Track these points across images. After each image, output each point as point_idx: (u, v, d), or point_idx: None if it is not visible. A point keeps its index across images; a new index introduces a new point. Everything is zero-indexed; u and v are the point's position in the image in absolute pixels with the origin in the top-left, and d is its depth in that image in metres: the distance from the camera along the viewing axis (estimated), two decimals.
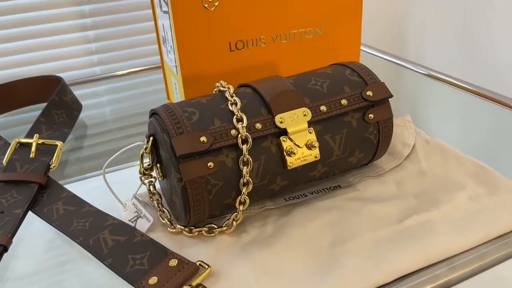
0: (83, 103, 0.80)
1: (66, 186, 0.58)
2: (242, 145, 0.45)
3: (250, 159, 0.45)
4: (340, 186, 0.54)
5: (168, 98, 0.82)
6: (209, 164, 0.44)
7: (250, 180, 0.45)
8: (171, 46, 0.68)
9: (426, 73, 0.90)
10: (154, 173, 0.50)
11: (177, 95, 0.73)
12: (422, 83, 0.90)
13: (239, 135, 0.45)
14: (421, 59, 1.05)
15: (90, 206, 0.53)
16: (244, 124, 0.45)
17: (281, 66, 0.71)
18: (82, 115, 0.79)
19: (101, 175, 0.49)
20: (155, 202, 0.50)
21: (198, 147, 0.43)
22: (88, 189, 0.59)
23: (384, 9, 1.13)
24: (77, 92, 0.81)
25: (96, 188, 0.55)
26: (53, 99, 0.71)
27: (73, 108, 0.74)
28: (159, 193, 0.50)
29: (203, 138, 0.44)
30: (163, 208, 0.50)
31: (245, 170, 0.45)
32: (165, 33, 0.69)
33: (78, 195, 0.55)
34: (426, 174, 0.56)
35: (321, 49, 0.73)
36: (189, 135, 0.44)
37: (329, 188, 0.54)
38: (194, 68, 0.66)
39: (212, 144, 0.44)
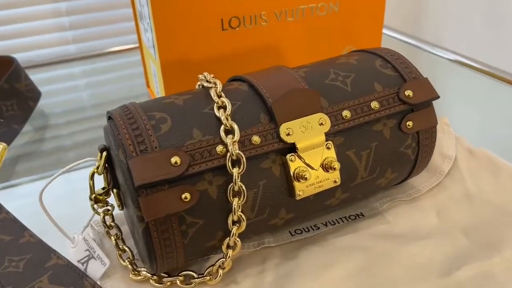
0: (47, 87, 0.66)
1: (16, 188, 0.44)
2: (233, 168, 0.31)
3: (244, 188, 0.31)
4: (363, 215, 0.41)
5: (148, 86, 0.68)
6: (184, 196, 0.30)
7: (243, 216, 0.32)
8: (148, 23, 0.54)
9: (447, 57, 0.77)
10: (111, 199, 0.36)
11: (157, 85, 0.59)
12: (442, 68, 0.76)
13: (228, 154, 0.31)
14: (440, 41, 0.91)
15: (32, 235, 0.40)
16: (236, 138, 0.31)
17: (287, 51, 0.57)
18: (46, 101, 0.65)
19: (61, 173, 0.35)
20: (112, 237, 0.36)
21: (167, 172, 0.30)
22: (37, 195, 0.46)
23: None
24: (43, 75, 0.67)
25: (55, 189, 0.41)
26: (1, 87, 0.57)
27: (28, 97, 0.60)
28: (118, 226, 0.36)
29: (175, 159, 0.30)
30: (124, 247, 0.36)
31: (236, 202, 0.31)
32: (141, 6, 0.55)
33: (29, 198, 0.42)
34: (475, 199, 0.42)
35: (336, 30, 0.59)
36: (155, 154, 0.30)
37: (349, 217, 0.41)
38: (176, 51, 0.52)
39: (189, 167, 0.30)
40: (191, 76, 0.52)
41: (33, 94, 0.61)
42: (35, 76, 0.67)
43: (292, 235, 0.39)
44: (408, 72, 0.38)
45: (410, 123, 0.37)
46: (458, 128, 0.51)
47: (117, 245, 0.36)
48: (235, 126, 0.32)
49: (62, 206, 0.40)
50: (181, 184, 0.30)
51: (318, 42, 0.58)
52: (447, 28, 0.88)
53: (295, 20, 0.56)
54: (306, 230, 0.39)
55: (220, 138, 0.31)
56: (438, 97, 0.38)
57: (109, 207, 0.36)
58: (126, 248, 0.36)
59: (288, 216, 0.35)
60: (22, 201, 0.48)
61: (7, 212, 0.43)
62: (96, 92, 0.75)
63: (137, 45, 0.88)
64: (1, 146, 0.49)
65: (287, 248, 0.38)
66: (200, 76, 0.36)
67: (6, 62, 0.60)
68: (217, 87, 0.34)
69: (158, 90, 0.58)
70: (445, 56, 0.78)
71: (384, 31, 0.88)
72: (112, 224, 0.36)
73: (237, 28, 0.53)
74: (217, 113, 0.32)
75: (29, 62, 0.82)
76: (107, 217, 0.36)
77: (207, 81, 0.35)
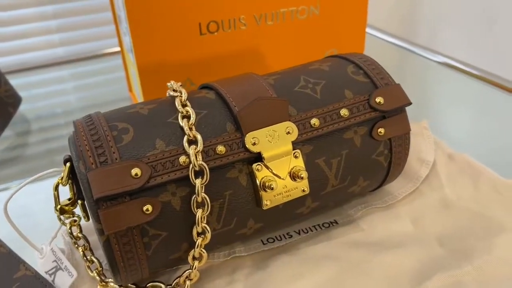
0: (28, 92, 0.65)
1: None
2: (195, 179, 0.30)
3: (208, 199, 0.31)
4: (337, 222, 0.40)
5: (130, 90, 0.67)
6: (145, 208, 0.30)
7: (207, 228, 0.31)
8: (126, 27, 0.53)
9: (439, 60, 0.76)
10: (77, 210, 0.36)
11: (137, 89, 0.58)
12: (433, 72, 0.75)
13: (191, 165, 0.30)
14: (433, 44, 0.90)
15: (2, 245, 0.40)
16: (199, 148, 0.31)
17: (267, 55, 0.56)
18: (26, 107, 0.65)
19: (25, 184, 0.35)
20: (80, 248, 0.36)
21: (127, 185, 0.29)
22: (23, 196, 0.45)
23: None
24: (28, 78, 0.67)
25: (33, 196, 0.41)
26: None
27: (7, 103, 0.59)
28: (85, 237, 0.36)
29: (136, 171, 0.29)
30: (92, 257, 0.36)
31: (200, 214, 0.31)
32: (119, 10, 0.55)
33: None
34: (452, 206, 0.42)
35: (318, 33, 0.58)
36: (115, 166, 0.29)
37: (323, 225, 0.40)
38: (153, 55, 0.51)
39: (150, 179, 0.30)
40: (169, 81, 0.51)
41: (13, 100, 0.61)
42: (20, 80, 0.67)
43: (264, 243, 0.38)
44: (380, 78, 0.38)
45: (381, 130, 0.37)
46: (447, 130, 0.50)
47: (84, 256, 0.36)
48: (198, 136, 0.31)
49: (32, 216, 0.40)
50: (143, 196, 0.30)
51: (300, 46, 0.58)
52: (439, 31, 0.87)
53: (275, 24, 0.55)
54: (279, 238, 0.39)
55: (184, 149, 0.31)
56: (410, 103, 0.37)
57: (75, 218, 0.35)
58: (94, 259, 0.36)
59: (257, 226, 0.35)
60: None
61: None
62: (79, 96, 0.74)
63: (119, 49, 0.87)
64: None
65: (259, 257, 0.38)
66: (168, 84, 0.36)
67: None
68: (182, 96, 0.33)
69: (139, 94, 0.58)
70: (436, 59, 0.77)
71: (377, 34, 0.87)
72: (80, 235, 0.36)
73: (216, 33, 0.53)
74: (180, 123, 0.32)
75: (14, 66, 0.81)
76: (74, 228, 0.35)
77: (173, 89, 0.34)
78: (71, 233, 0.35)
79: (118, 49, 0.88)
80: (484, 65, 0.73)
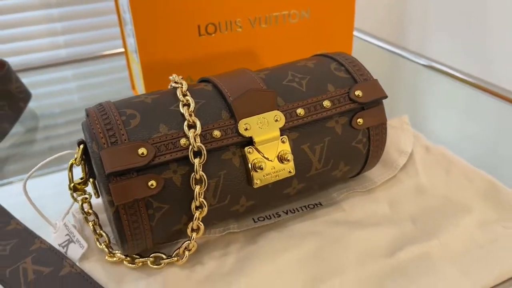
0: (37, 90, 0.70)
1: (4, 188, 0.48)
2: (194, 158, 0.35)
3: (205, 176, 0.35)
4: (321, 204, 0.45)
5: (133, 88, 0.71)
6: (150, 183, 0.34)
7: (205, 202, 0.36)
8: (130, 29, 0.58)
9: (427, 64, 0.80)
10: (89, 188, 0.40)
11: (140, 86, 0.62)
12: (422, 76, 0.80)
13: (191, 146, 0.35)
14: (421, 49, 0.95)
15: (18, 223, 0.44)
16: (197, 132, 0.35)
17: (261, 56, 0.61)
18: (36, 104, 0.69)
19: (47, 175, 0.39)
20: (90, 223, 0.40)
21: (135, 162, 0.33)
22: (32, 189, 0.49)
23: None
24: (34, 78, 0.71)
25: (40, 189, 0.45)
26: None
27: (19, 98, 0.64)
28: (95, 213, 0.40)
29: (142, 150, 0.34)
30: (101, 231, 0.40)
31: (197, 189, 0.35)
32: (124, 13, 0.59)
33: (16, 198, 0.45)
34: (425, 192, 0.46)
35: (308, 36, 0.63)
36: (124, 146, 0.34)
37: (308, 206, 0.45)
38: (155, 55, 0.56)
39: (155, 158, 0.34)
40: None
41: (24, 96, 0.65)
42: (27, 79, 0.71)
43: (255, 221, 0.43)
44: (360, 74, 0.42)
45: (360, 120, 0.41)
46: (436, 132, 0.54)
47: (94, 230, 0.40)
48: (197, 121, 0.36)
49: (45, 201, 0.43)
50: (148, 172, 0.34)
51: (291, 47, 0.62)
52: (428, 36, 0.91)
53: (268, 27, 0.60)
54: (268, 217, 0.43)
55: (184, 132, 0.35)
56: (386, 96, 0.42)
57: (86, 196, 0.40)
58: (103, 233, 0.40)
59: (248, 203, 0.39)
60: (12, 199, 0.51)
61: None
62: (84, 95, 0.78)
63: (122, 50, 0.92)
64: None
65: (250, 233, 0.42)
66: (171, 77, 0.40)
67: None
68: (182, 87, 0.38)
69: (142, 91, 0.62)
70: (425, 64, 0.81)
71: (367, 38, 0.92)
72: (90, 211, 0.40)
73: (213, 34, 0.57)
74: (181, 110, 0.36)
75: (21, 66, 0.85)
76: (85, 205, 0.40)
77: (175, 82, 0.39)
78: (82, 209, 0.40)
79: (119, 50, 0.93)
80: (471, 69, 0.77)
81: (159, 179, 0.34)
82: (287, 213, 0.44)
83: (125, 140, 0.34)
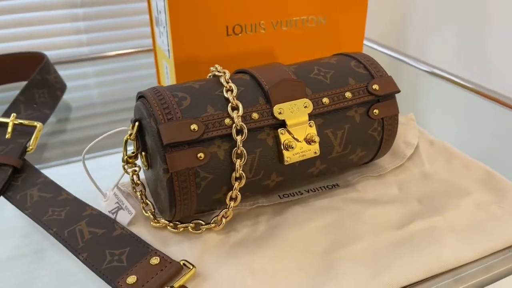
0: (69, 84, 0.75)
1: (44, 171, 0.53)
2: (237, 135, 0.41)
3: (245, 152, 0.41)
4: (338, 185, 0.51)
5: (159, 83, 0.77)
6: (199, 155, 0.40)
7: (243, 174, 0.41)
8: (164, 28, 0.63)
9: (428, 70, 0.87)
10: (138, 162, 0.45)
11: (168, 81, 0.68)
12: (423, 81, 0.86)
13: (234, 125, 0.41)
14: (422, 55, 1.01)
15: (68, 193, 0.49)
16: (240, 113, 0.41)
17: (281, 55, 0.67)
18: (67, 96, 0.74)
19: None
20: (138, 193, 0.46)
21: (188, 136, 0.39)
22: (69, 175, 0.55)
23: (386, 1, 1.09)
24: (63, 72, 0.77)
25: (77, 174, 0.51)
26: (34, 77, 0.66)
27: (56, 88, 0.69)
28: (142, 184, 0.46)
29: (194, 126, 0.40)
30: (147, 200, 0.46)
31: (238, 163, 0.41)
32: (159, 13, 0.65)
33: (56, 181, 0.51)
34: (430, 178, 0.52)
35: (323, 39, 0.69)
36: (179, 122, 0.39)
37: (327, 186, 0.50)
38: (188, 52, 0.61)
39: (204, 133, 0.40)
40: (199, 73, 0.61)
41: (61, 85, 0.70)
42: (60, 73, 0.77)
43: (280, 198, 0.48)
44: (376, 71, 0.48)
45: (376, 111, 0.47)
46: (436, 135, 0.60)
47: (141, 199, 0.45)
48: (240, 105, 0.41)
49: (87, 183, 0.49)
50: (197, 146, 0.40)
51: (308, 50, 0.68)
52: (429, 43, 0.98)
53: (288, 30, 0.66)
54: (292, 195, 0.49)
55: (228, 113, 0.41)
56: (399, 91, 0.48)
57: (136, 168, 0.45)
58: (149, 202, 0.45)
59: (278, 179, 0.45)
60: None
61: (45, 177, 0.52)
62: (111, 89, 0.84)
63: (145, 48, 0.98)
64: (38, 125, 0.58)
65: (276, 207, 0.48)
66: (212, 68, 0.46)
67: (38, 58, 0.70)
68: (226, 75, 0.44)
69: None
70: (426, 70, 0.88)
71: (371, 45, 0.98)
72: (138, 182, 0.45)
73: (240, 34, 0.63)
74: (225, 95, 0.42)
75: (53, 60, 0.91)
76: (134, 176, 0.45)
77: (218, 71, 0.45)
78: (132, 179, 0.45)
79: (139, 49, 0.99)
80: (471, 75, 0.83)
81: (206, 152, 0.40)
82: (308, 192, 0.49)
83: (179, 117, 0.40)
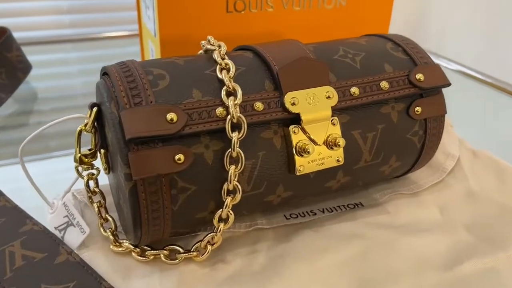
0: (42, 70, 0.63)
1: None
2: (232, 132, 0.29)
3: (242, 155, 0.29)
4: (362, 205, 0.39)
5: None
6: (177, 157, 0.28)
7: (239, 186, 0.30)
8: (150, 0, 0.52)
9: (449, 67, 0.76)
10: (98, 162, 0.33)
11: None
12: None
13: (229, 117, 0.29)
14: (442, 51, 0.90)
15: (7, 200, 0.37)
16: (238, 101, 0.29)
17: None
18: (37, 85, 0.62)
19: (42, 160, 0.33)
20: (95, 205, 0.34)
21: (162, 129, 0.27)
22: (18, 177, 0.43)
23: None
24: (39, 56, 0.65)
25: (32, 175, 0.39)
26: None
27: (18, 68, 0.57)
28: (102, 193, 0.34)
29: (171, 115, 0.28)
30: (107, 215, 0.34)
31: (232, 170, 0.29)
32: None
33: (2, 182, 0.39)
34: (477, 198, 0.40)
35: (341, 24, 0.57)
36: (150, 108, 0.28)
37: (348, 206, 0.39)
38: (177, 29, 0.50)
39: (186, 126, 0.28)
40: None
41: (23, 66, 0.58)
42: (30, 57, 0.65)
43: (287, 218, 0.37)
44: (419, 57, 0.37)
45: (418, 109, 0.36)
46: (460, 133, 0.49)
47: (99, 213, 0.34)
48: (238, 89, 0.30)
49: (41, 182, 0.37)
50: (176, 144, 0.28)
51: (323, 34, 0.57)
52: (450, 38, 0.87)
53: (301, 10, 0.54)
54: (302, 215, 0.37)
55: (221, 100, 0.29)
56: (449, 84, 0.37)
57: (94, 171, 0.33)
58: (109, 217, 0.34)
59: (285, 194, 0.33)
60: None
61: None
62: (87, 80, 0.72)
63: (130, 32, 0.86)
64: None
65: (281, 231, 0.36)
66: (203, 41, 0.34)
67: None
68: (221, 49, 0.32)
69: None
70: (447, 66, 0.77)
71: None
72: (96, 189, 0.34)
73: (242, 12, 0.52)
74: (219, 75, 0.30)
75: (24, 39, 0.79)
76: (91, 182, 0.33)
77: (210, 44, 0.33)
78: (87, 186, 0.33)
79: (124, 33, 0.87)
80: (493, 71, 0.73)
81: (188, 153, 0.28)
82: (323, 212, 0.38)
83: (151, 102, 0.28)
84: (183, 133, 0.28)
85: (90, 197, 0.34)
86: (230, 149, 0.29)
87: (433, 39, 0.95)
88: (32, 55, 0.64)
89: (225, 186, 0.30)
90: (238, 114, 0.29)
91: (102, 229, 0.34)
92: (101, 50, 0.85)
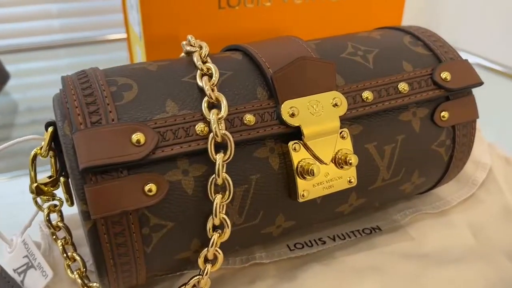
0: (25, 80, 0.58)
1: None
2: (216, 153, 0.23)
3: (230, 181, 0.23)
4: (380, 229, 0.33)
5: None
6: (147, 188, 0.22)
7: (227, 221, 0.24)
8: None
9: (473, 62, 0.69)
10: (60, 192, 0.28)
11: None
12: None
13: (211, 134, 0.23)
14: (458, 42, 0.83)
15: None
16: (223, 114, 0.23)
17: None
18: (19, 97, 0.57)
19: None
20: (59, 242, 0.28)
21: (126, 153, 0.22)
22: None
23: None
24: (26, 65, 0.60)
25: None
26: None
27: None
28: (67, 228, 0.28)
29: (137, 136, 0.22)
30: (74, 254, 0.28)
31: (218, 200, 0.23)
32: None
33: None
34: None
35: (348, 18, 0.51)
36: (111, 128, 0.22)
37: (363, 231, 0.33)
38: (164, 29, 0.44)
39: (157, 149, 0.22)
40: None
41: (1, 74, 0.53)
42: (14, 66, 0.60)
43: (291, 249, 0.31)
44: (444, 51, 0.31)
45: (445, 114, 0.30)
46: (489, 135, 0.43)
47: (64, 252, 0.28)
48: (223, 99, 0.24)
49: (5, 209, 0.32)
50: (145, 171, 0.22)
51: (328, 30, 0.51)
52: (465, 29, 0.81)
53: (303, 3, 0.48)
54: (309, 244, 0.31)
55: (202, 114, 0.24)
56: (481, 83, 0.30)
57: (56, 202, 0.28)
58: (77, 257, 0.28)
59: (287, 224, 0.27)
60: None
61: None
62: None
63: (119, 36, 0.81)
64: None
65: (284, 266, 0.30)
66: (184, 42, 0.29)
67: None
68: (202, 51, 0.26)
69: None
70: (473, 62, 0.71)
71: None
72: (60, 224, 0.28)
73: (237, 7, 0.46)
74: (199, 82, 0.24)
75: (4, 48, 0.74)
76: (53, 215, 0.28)
77: (190, 45, 0.27)
78: (49, 220, 0.28)
79: (112, 37, 0.81)
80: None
81: (161, 182, 0.23)
82: (334, 240, 0.32)
83: (113, 120, 0.22)
84: (153, 157, 0.22)
85: (53, 233, 0.28)
86: (214, 175, 0.23)
87: (448, 31, 0.89)
88: (12, 64, 0.60)
89: (210, 221, 0.24)
90: (223, 131, 0.23)
91: (69, 271, 0.28)
92: (95, 55, 0.80)
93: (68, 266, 0.28)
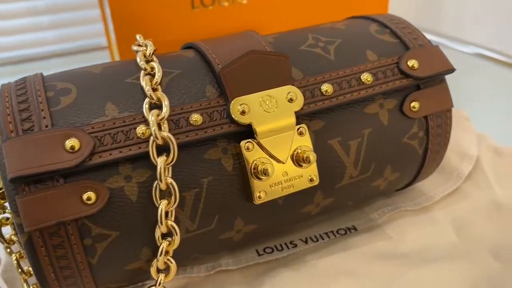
0: None
1: None
2: (157, 157, 0.22)
3: (175, 185, 0.22)
4: (355, 228, 0.31)
5: None
6: (86, 196, 0.21)
7: (175, 227, 0.22)
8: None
9: (467, 50, 0.67)
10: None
11: None
12: (462, 62, 0.66)
13: (152, 137, 0.22)
14: (459, 33, 0.81)
15: None
16: (164, 114, 0.22)
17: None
18: None
19: None
20: (13, 256, 0.27)
21: (59, 161, 0.20)
22: None
23: None
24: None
25: None
26: None
27: None
28: (21, 243, 0.27)
29: (71, 142, 0.21)
30: (30, 268, 0.27)
31: (163, 206, 0.22)
32: None
33: None
34: (505, 210, 0.32)
35: (332, 12, 0.50)
36: (43, 134, 0.21)
37: (337, 232, 0.31)
38: (135, 32, 0.43)
39: (93, 154, 0.21)
40: None
41: None
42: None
43: (259, 254, 0.29)
44: (412, 38, 0.29)
45: (415, 104, 0.28)
46: (481, 126, 0.41)
47: (19, 266, 0.27)
48: (165, 99, 0.22)
49: None
50: (83, 178, 0.21)
51: (307, 25, 0.49)
52: (466, 20, 0.78)
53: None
54: (279, 248, 0.30)
55: (143, 116, 0.22)
56: (453, 69, 0.29)
57: (7, 215, 0.27)
58: (32, 271, 0.27)
59: (248, 229, 0.26)
60: None
61: None
62: None
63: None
64: None
65: (252, 272, 0.28)
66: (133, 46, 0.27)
67: None
68: (147, 49, 0.25)
69: None
70: (465, 50, 0.68)
71: None
72: (14, 238, 0.27)
73: (210, 7, 0.45)
74: (142, 83, 0.23)
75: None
76: (5, 228, 0.27)
77: (138, 44, 0.26)
78: (0, 234, 0.27)
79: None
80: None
81: (101, 189, 0.21)
82: (306, 242, 0.30)
83: (46, 126, 0.21)
84: (90, 163, 0.21)
85: (7, 247, 0.27)
86: (157, 180, 0.22)
87: (448, 23, 0.86)
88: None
89: (158, 229, 0.22)
90: (164, 133, 0.22)
91: (25, 285, 0.27)
92: (89, 62, 0.79)
93: (25, 280, 0.27)
